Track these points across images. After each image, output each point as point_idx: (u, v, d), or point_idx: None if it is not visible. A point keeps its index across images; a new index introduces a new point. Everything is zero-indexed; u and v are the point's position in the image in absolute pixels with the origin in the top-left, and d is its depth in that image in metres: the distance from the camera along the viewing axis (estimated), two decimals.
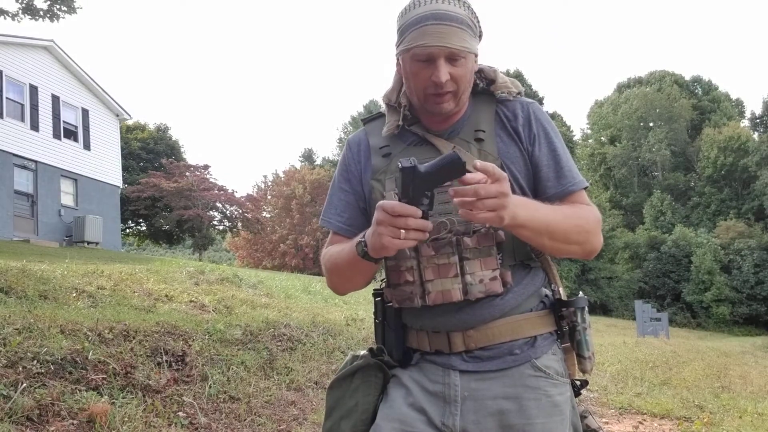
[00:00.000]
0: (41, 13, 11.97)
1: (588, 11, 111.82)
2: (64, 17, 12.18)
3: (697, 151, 50.57)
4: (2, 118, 18.32)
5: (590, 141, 58.41)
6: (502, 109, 1.42)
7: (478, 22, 1.35)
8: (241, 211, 30.86)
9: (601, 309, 37.66)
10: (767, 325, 38.16)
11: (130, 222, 31.49)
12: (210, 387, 4.03)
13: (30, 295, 5.45)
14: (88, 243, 19.13)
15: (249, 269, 22.05)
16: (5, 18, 11.82)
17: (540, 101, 39.55)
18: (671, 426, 5.26)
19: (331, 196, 1.52)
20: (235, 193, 30.47)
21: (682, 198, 50.11)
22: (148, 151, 33.09)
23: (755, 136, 50.34)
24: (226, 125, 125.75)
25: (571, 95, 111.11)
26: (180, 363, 4.19)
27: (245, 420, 3.85)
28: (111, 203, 22.98)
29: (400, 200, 1.18)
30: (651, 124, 53.50)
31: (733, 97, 59.20)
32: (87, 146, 22.00)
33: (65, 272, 7.19)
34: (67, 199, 20.70)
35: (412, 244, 1.21)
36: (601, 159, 55.14)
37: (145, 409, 3.47)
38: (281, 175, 43.30)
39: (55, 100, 20.68)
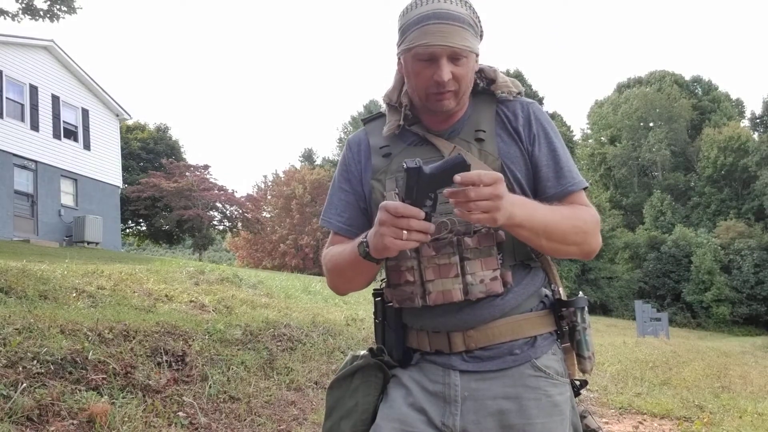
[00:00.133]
0: (41, 13, 11.98)
1: (588, 11, 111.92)
2: (64, 17, 12.19)
3: (697, 151, 50.58)
4: (2, 118, 18.32)
5: (590, 141, 58.42)
6: (503, 109, 1.42)
7: (480, 21, 1.35)
8: (241, 211, 30.86)
9: (601, 309, 37.67)
10: (767, 325, 38.18)
11: (130, 222, 31.48)
12: (210, 387, 4.03)
13: (30, 295, 5.45)
14: (88, 243, 19.14)
15: (249, 269, 22.05)
16: (5, 18, 11.83)
17: (540, 101, 39.56)
18: (671, 426, 5.26)
19: (331, 196, 1.52)
20: (235, 193, 30.51)
21: (682, 198, 50.12)
22: (148, 151, 33.08)
23: (755, 136, 50.36)
24: (226, 125, 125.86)
25: (571, 95, 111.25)
26: (180, 363, 4.19)
27: (245, 420, 3.85)
28: (111, 203, 22.98)
29: (403, 201, 1.18)
30: (651, 124, 53.51)
31: (733, 97, 59.33)
32: (87, 146, 22.00)
33: (65, 272, 7.19)
34: (67, 199, 20.70)
35: (414, 246, 1.21)
36: (601, 159, 55.14)
37: (145, 409, 3.47)
38: (281, 175, 43.32)
39: (55, 100, 20.68)
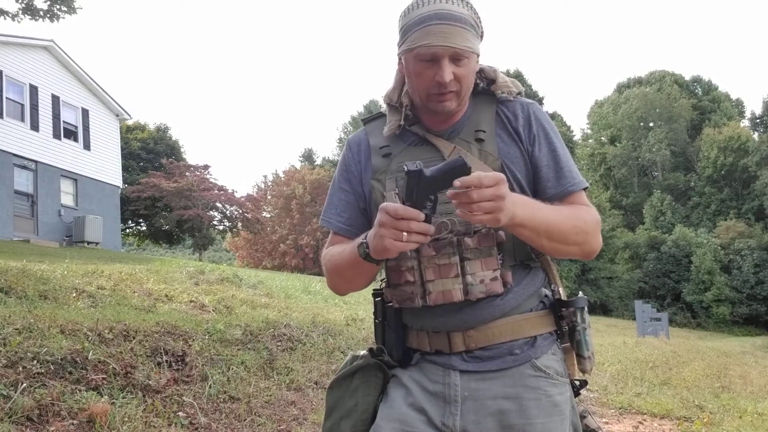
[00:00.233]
0: (41, 13, 11.98)
1: (588, 11, 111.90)
2: (64, 17, 12.19)
3: (697, 151, 50.59)
4: (2, 118, 18.33)
5: (590, 141, 58.43)
6: (503, 109, 1.42)
7: (480, 21, 1.35)
8: (241, 211, 30.87)
9: (601, 309, 37.67)
10: (767, 325, 38.18)
11: (130, 222, 31.49)
12: (210, 387, 4.03)
13: (30, 295, 5.45)
14: (88, 243, 19.13)
15: (249, 269, 22.05)
16: (5, 18, 11.83)
17: (540, 101, 39.67)
18: (671, 426, 5.26)
19: (331, 196, 1.52)
20: (235, 193, 30.52)
21: (682, 198, 50.12)
22: (148, 151, 33.08)
23: (755, 136, 50.37)
24: (226, 125, 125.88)
25: (571, 95, 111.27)
26: (180, 363, 4.19)
27: (245, 420, 3.85)
28: (111, 203, 22.98)
29: (403, 203, 1.18)
30: (651, 124, 53.51)
31: (733, 97, 59.34)
32: (87, 146, 22.00)
33: (65, 272, 7.19)
34: (67, 199, 20.70)
35: (414, 247, 1.21)
36: (601, 159, 55.14)
37: (145, 409, 3.47)
38: (281, 175, 43.32)
39: (55, 100, 20.68)
